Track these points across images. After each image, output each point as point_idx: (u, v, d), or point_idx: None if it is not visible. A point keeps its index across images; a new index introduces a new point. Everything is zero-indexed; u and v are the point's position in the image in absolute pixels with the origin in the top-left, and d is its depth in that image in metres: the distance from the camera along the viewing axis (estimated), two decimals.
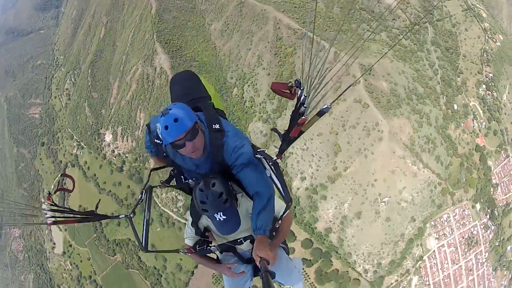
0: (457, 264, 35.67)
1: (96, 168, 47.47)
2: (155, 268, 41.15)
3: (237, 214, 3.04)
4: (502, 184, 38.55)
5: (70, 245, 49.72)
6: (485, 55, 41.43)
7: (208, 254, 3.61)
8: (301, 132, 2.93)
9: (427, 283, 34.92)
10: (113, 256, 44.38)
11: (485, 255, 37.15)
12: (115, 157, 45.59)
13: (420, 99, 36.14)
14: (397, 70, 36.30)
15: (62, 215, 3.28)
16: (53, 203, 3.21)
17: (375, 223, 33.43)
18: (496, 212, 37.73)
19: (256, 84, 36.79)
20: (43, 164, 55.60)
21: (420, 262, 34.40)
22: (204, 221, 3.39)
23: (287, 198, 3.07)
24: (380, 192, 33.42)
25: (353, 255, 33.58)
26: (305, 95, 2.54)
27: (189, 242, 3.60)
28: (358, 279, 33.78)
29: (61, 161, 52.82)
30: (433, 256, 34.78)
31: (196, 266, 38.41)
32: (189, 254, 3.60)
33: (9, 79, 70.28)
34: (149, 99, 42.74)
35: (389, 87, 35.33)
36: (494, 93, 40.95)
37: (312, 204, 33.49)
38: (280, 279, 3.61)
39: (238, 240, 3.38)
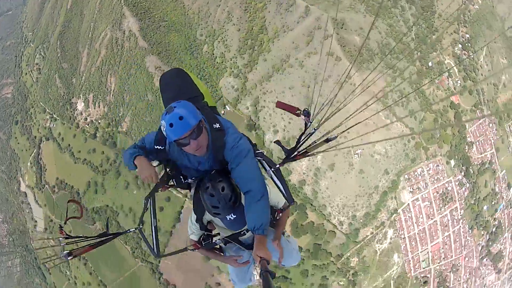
0: (432, 219, 35.60)
1: (70, 138, 47.02)
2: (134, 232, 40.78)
3: (244, 213, 3.07)
4: (477, 143, 38.58)
5: (51, 220, 49.32)
6: (462, 16, 41.57)
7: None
8: (306, 153, 3.11)
9: (402, 236, 34.84)
10: (92, 225, 43.95)
11: (460, 212, 37.12)
12: (88, 125, 45.23)
13: (393, 54, 36.10)
14: (370, 25, 36.27)
15: (75, 243, 3.34)
16: (67, 235, 3.26)
17: (348, 175, 33.27)
18: (471, 170, 37.72)
19: (226, 40, 36.57)
20: (18, 143, 55.00)
21: (394, 215, 34.30)
22: (208, 216, 3.47)
23: (290, 199, 3.23)
24: (353, 144, 33.19)
25: (327, 207, 33.38)
26: (311, 122, 2.85)
27: (194, 237, 3.73)
28: (334, 231, 33.65)
29: (35, 137, 52.20)
30: (408, 210, 34.69)
31: (174, 226, 38.29)
32: (196, 250, 3.72)
33: None
34: (119, 62, 42.35)
35: (361, 41, 35.26)
36: (471, 54, 41.08)
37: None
38: (282, 262, 3.56)
39: (242, 232, 3.44)
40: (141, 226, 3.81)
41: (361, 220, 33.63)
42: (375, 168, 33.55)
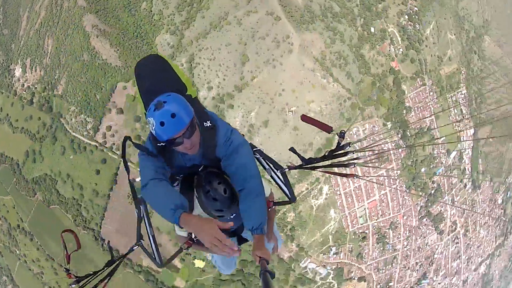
0: (367, 177, 36.75)
1: (8, 107, 45.63)
2: (73, 198, 40.67)
3: None
4: (415, 108, 39.87)
5: None
6: None
7: None
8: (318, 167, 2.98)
9: (338, 192, 36.13)
10: (33, 196, 43.33)
11: (397, 172, 38.49)
12: (25, 91, 44.22)
13: (335, 17, 37.06)
14: None
15: (88, 282, 3.14)
16: (76, 278, 3.04)
17: (282, 131, 34.29)
18: (408, 133, 39.10)
19: None
20: None
21: None
22: (197, 211, 3.27)
23: (293, 198, 3.28)
24: (288, 101, 34.32)
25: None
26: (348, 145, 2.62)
27: (183, 233, 3.62)
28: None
29: None
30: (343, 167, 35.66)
31: (111, 189, 38.60)
32: (188, 246, 3.50)
33: None
34: (57, 23, 41.64)
35: (303, 3, 36.07)
36: (417, 25, 42.18)
37: (219, 113, 34.03)
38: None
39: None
40: (142, 241, 3.48)
41: (295, 176, 34.64)
42: (310, 126, 34.41)
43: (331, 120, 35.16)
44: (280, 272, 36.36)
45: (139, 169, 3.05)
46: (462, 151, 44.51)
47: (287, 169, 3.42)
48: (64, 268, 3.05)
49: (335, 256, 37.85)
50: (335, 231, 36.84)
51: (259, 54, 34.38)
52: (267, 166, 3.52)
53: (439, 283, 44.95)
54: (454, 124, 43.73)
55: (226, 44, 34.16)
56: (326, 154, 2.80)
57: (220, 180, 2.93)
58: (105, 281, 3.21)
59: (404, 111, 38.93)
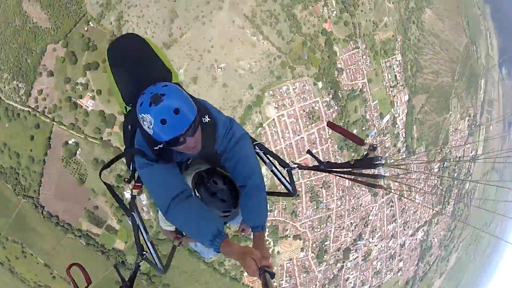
0: (299, 135, 37.72)
1: None
2: (11, 167, 39.47)
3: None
4: (348, 70, 40.95)
5: None
6: None
7: None
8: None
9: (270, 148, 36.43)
10: None
11: (328, 132, 39.48)
12: None
13: None
14: None
15: None
16: None
17: (212, 88, 34.35)
18: (340, 94, 40.14)
19: None
20: None
21: (260, 128, 35.98)
22: None
23: (294, 192, 3.24)
24: (217, 58, 34.39)
25: None
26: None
27: (171, 228, 3.48)
28: None
29: None
30: (273, 125, 36.57)
31: (46, 154, 37.81)
32: (180, 242, 3.43)
33: None
34: None
35: None
36: None
37: None
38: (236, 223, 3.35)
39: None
40: (145, 254, 3.23)
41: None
42: (239, 83, 34.87)
43: (260, 78, 35.60)
44: None
45: (146, 185, 2.64)
46: (396, 116, 46.30)
47: (296, 168, 3.26)
48: None
49: (268, 213, 38.34)
50: (268, 188, 37.29)
51: (188, 10, 34.06)
52: (267, 161, 3.34)
53: (375, 245, 46.86)
54: (388, 89, 45.42)
55: (155, 1, 33.62)
56: (352, 162, 2.74)
57: (224, 180, 2.82)
58: None
59: (336, 72, 39.89)
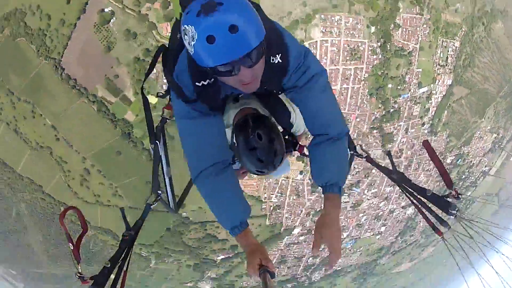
0: (335, 66, 40.56)
1: None
2: (40, 29, 39.24)
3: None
4: (404, 29, 42.86)
5: None
6: None
7: None
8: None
9: None
10: (1, 33, 40.62)
11: (364, 75, 42.22)
12: None
13: None
14: None
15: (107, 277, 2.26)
16: (91, 278, 2.16)
17: None
18: (388, 46, 42.51)
19: None
20: None
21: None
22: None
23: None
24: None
25: None
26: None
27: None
28: None
29: None
30: (314, 46, 39.05)
31: (79, 18, 37.81)
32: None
33: None
34: None
35: None
36: None
37: None
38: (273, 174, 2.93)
39: None
40: (160, 194, 2.93)
41: None
42: None
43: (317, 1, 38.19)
44: None
45: (179, 135, 2.18)
46: (433, 92, 47.95)
47: (364, 157, 3.00)
48: (77, 274, 2.16)
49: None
50: None
51: None
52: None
53: (368, 199, 49.78)
54: (435, 65, 47.05)
55: None
56: (429, 194, 2.48)
57: (272, 137, 2.30)
58: (127, 267, 2.41)
59: (392, 25, 41.99)
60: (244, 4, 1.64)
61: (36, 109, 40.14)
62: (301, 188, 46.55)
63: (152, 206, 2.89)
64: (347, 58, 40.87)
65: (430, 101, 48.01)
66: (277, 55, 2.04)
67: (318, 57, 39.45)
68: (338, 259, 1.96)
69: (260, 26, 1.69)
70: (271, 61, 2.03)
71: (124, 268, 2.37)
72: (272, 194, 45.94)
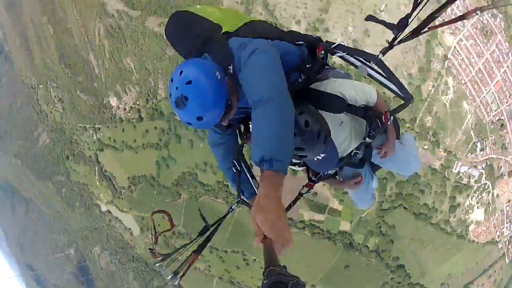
0: (483, 57, 33.82)
1: (121, 134, 45.38)
2: (218, 182, 40.00)
3: (334, 146, 2.33)
4: None
5: (143, 218, 47.33)
6: None
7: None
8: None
9: (463, 81, 32.98)
10: (180, 198, 42.69)
11: (505, 45, 35.37)
12: (129, 113, 43.87)
13: None
14: None
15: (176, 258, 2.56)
16: (161, 256, 2.48)
17: (384, 34, 31.28)
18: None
19: None
20: (78, 173, 53.39)
21: (447, 61, 32.57)
22: None
23: (407, 95, 2.45)
24: (375, 2, 32.34)
25: None
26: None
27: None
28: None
29: (90, 156, 50.45)
30: (457, 53, 32.98)
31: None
32: (309, 189, 2.93)
33: (6, 137, 68.95)
34: (125, 42, 42.15)
35: None
36: None
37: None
38: (399, 171, 3.12)
39: (352, 154, 2.74)
40: (240, 199, 2.90)
41: (417, 77, 31.95)
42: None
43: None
44: (436, 184, 33.76)
45: (256, 71, 1.94)
46: None
47: (381, 55, 2.38)
48: (149, 248, 2.55)
49: (482, 152, 34.17)
50: (474, 124, 33.49)
51: None
52: (358, 63, 2.47)
53: None
54: None
55: None
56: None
57: (301, 110, 2.24)
58: (197, 256, 2.42)
59: None
60: (203, 84, 1.92)
61: (246, 256, 39.70)
62: None
63: (234, 208, 2.97)
64: (485, 41, 33.86)
65: None
66: (229, 65, 2.08)
67: (466, 60, 32.37)
68: (285, 247, 1.45)
69: (219, 95, 1.96)
70: (229, 72, 2.09)
71: (195, 253, 2.42)
72: (503, 228, 36.71)
